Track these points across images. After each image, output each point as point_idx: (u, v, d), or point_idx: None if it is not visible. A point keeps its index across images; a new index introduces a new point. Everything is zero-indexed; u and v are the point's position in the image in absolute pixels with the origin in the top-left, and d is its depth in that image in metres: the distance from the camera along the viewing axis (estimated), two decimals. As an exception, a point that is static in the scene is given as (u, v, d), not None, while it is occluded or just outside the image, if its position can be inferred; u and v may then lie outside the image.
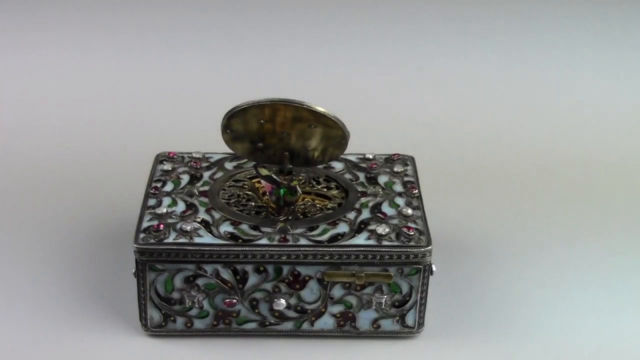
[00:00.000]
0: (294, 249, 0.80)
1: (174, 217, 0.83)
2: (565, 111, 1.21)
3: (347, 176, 0.91)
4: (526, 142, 1.18)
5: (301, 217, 0.84)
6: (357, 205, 0.86)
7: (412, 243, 0.80)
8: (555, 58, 1.24)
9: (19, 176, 1.09)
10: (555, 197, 1.08)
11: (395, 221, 0.83)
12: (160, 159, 0.93)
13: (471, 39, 1.25)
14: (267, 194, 0.84)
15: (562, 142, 1.17)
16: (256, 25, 1.24)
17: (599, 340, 0.84)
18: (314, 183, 0.90)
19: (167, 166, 0.91)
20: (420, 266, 0.81)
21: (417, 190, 0.89)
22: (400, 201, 0.87)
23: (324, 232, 0.82)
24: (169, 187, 0.88)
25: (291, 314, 0.82)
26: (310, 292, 0.81)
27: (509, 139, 1.18)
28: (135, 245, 0.80)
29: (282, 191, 0.83)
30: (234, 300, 0.81)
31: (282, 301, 0.81)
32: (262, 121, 0.84)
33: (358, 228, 0.82)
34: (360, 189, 0.89)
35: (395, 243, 0.80)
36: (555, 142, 1.17)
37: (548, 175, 1.12)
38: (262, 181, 0.84)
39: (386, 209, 0.85)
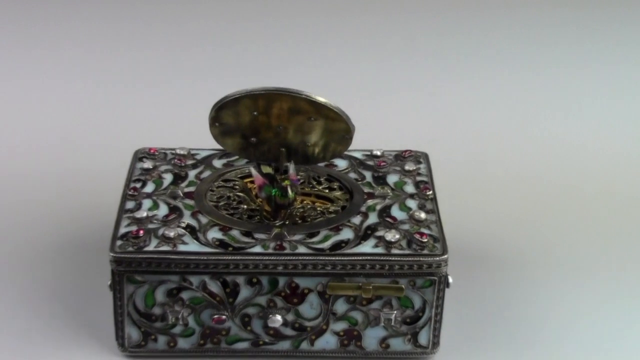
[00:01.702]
0: (291, 258, 0.78)
1: (155, 221, 0.82)
2: (591, 111, 1.20)
3: (352, 175, 0.89)
4: (555, 137, 1.17)
5: (300, 221, 0.83)
6: (363, 209, 0.84)
7: (425, 251, 0.79)
8: (575, 59, 1.24)
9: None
10: (583, 201, 1.07)
11: (406, 226, 0.81)
12: (139, 155, 0.92)
13: (489, 33, 1.24)
14: (257, 188, 0.83)
15: (594, 140, 1.17)
16: (253, 8, 1.23)
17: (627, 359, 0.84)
18: (314, 183, 0.89)
19: (148, 164, 0.90)
20: (435, 278, 0.79)
21: (431, 192, 0.87)
22: (412, 204, 0.85)
23: (326, 238, 0.80)
24: (149, 187, 0.87)
25: (288, 331, 0.81)
26: (310, 307, 0.80)
27: (534, 133, 1.17)
28: (112, 254, 0.78)
29: (273, 191, 0.81)
30: (223, 317, 0.79)
31: (278, 317, 0.79)
32: (255, 113, 0.82)
33: (364, 234, 0.81)
34: (366, 189, 0.87)
35: (407, 251, 0.78)
36: (590, 141, 1.17)
37: (578, 177, 1.11)
38: (255, 174, 0.83)
39: (396, 212, 0.84)
